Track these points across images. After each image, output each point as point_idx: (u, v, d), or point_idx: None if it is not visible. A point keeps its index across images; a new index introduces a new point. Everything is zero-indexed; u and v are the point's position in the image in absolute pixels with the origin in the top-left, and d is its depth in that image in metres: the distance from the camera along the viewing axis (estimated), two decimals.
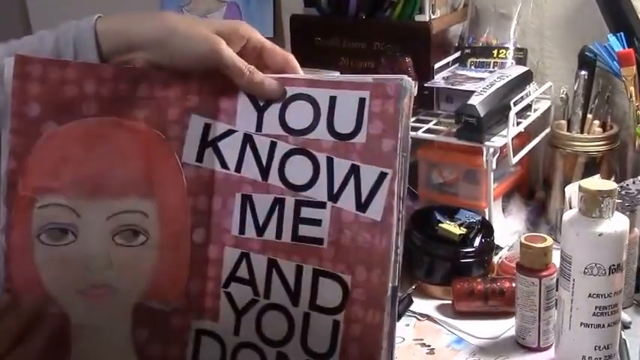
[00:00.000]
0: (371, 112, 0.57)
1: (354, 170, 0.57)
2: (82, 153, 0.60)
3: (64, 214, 0.59)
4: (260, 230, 0.60)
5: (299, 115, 0.59)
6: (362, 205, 0.57)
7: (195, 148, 0.61)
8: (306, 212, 0.59)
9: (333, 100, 0.58)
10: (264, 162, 0.60)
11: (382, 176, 0.56)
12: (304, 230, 0.59)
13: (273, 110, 0.60)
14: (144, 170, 0.60)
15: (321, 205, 0.58)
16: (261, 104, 0.61)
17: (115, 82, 0.60)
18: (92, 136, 0.60)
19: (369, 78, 0.58)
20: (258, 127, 0.60)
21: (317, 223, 0.58)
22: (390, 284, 0.56)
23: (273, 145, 0.60)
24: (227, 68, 0.59)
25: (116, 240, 0.60)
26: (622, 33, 0.99)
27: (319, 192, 0.58)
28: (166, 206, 0.61)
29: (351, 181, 0.57)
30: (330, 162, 0.58)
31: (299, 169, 0.59)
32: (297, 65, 0.63)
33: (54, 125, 0.59)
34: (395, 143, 0.56)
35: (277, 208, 0.59)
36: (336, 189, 0.58)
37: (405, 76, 0.56)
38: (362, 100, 0.57)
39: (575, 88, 1.03)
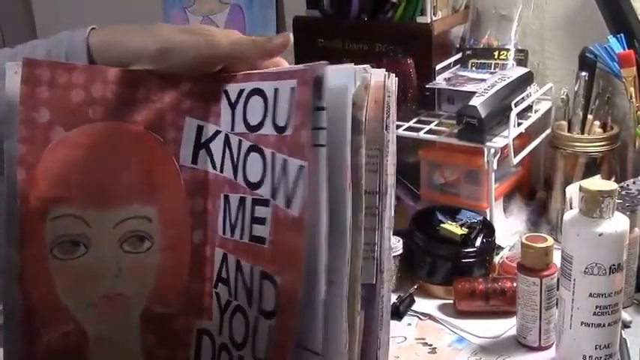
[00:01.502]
0: (296, 101, 0.53)
1: (285, 164, 0.54)
2: (90, 160, 0.59)
3: (76, 224, 0.58)
4: (232, 230, 0.59)
5: (254, 110, 0.57)
6: (289, 201, 0.53)
7: (190, 150, 0.61)
8: (257, 211, 0.56)
9: (276, 92, 0.55)
10: (235, 161, 0.59)
11: (300, 169, 0.52)
12: (255, 230, 0.57)
13: (240, 107, 0.59)
14: (146, 175, 0.60)
15: (266, 203, 0.56)
16: (233, 101, 0.60)
17: (119, 86, 0.59)
18: (98, 142, 0.59)
19: (305, 65, 0.54)
20: (232, 126, 0.60)
21: (263, 222, 0.56)
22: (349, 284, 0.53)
23: (239, 144, 0.59)
24: (232, 53, 0.59)
25: (124, 247, 0.60)
26: (622, 34, 0.99)
27: (266, 189, 0.56)
28: (168, 210, 0.61)
29: (284, 177, 0.54)
30: (273, 157, 0.55)
31: (254, 167, 0.57)
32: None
33: (62, 131, 0.58)
34: (308, 133, 0.51)
35: (241, 207, 0.58)
36: (275, 186, 0.55)
37: (326, 62, 0.52)
38: (292, 90, 0.53)
39: (575, 89, 1.03)
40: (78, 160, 0.59)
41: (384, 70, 0.55)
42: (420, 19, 1.08)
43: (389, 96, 0.55)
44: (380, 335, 0.57)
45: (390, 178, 0.57)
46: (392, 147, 0.56)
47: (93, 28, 0.61)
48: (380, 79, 0.55)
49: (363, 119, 0.53)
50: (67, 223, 0.58)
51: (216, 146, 0.61)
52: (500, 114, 0.97)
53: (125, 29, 0.61)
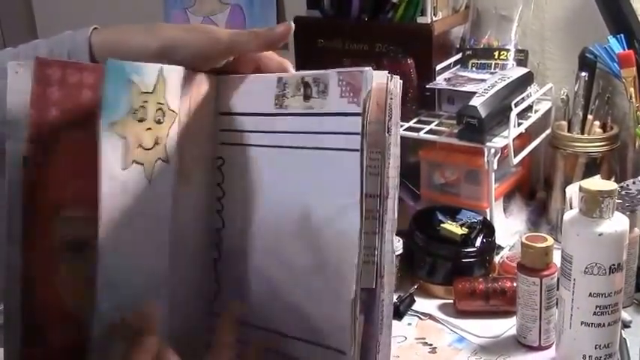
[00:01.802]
0: None
1: None
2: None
3: (85, 226, 0.58)
4: None
5: None
6: None
7: None
8: None
9: None
10: None
11: None
12: None
13: None
14: None
15: None
16: None
17: None
18: None
19: None
20: None
21: None
22: (355, 287, 0.53)
23: None
24: (231, 47, 0.59)
25: None
26: (622, 34, 0.99)
27: None
28: None
29: None
30: None
31: None
32: (292, 69, 0.62)
33: (72, 131, 0.58)
34: None
35: None
36: None
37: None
38: None
39: (575, 89, 1.03)
40: (88, 162, 0.59)
41: (387, 72, 0.55)
42: (420, 20, 1.08)
43: (391, 98, 0.55)
44: (380, 339, 0.56)
45: (392, 181, 0.57)
46: (394, 150, 0.56)
47: (95, 28, 0.61)
48: (382, 80, 0.55)
49: (364, 122, 0.53)
50: (74, 224, 0.58)
51: None
52: (500, 114, 0.97)
53: (127, 29, 0.61)
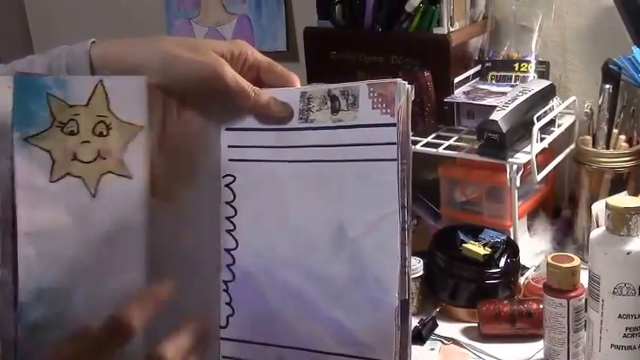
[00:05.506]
0: None
1: None
2: None
3: None
4: None
5: None
6: None
7: None
8: None
9: None
10: None
11: None
12: None
13: None
14: None
15: None
16: None
17: None
18: None
19: None
20: None
21: None
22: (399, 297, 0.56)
23: None
24: (231, 91, 0.60)
25: None
26: None
27: None
28: None
29: None
30: None
31: None
32: (298, 84, 0.63)
33: None
34: None
35: None
36: None
37: None
38: None
39: (599, 102, 1.05)
40: None
41: (407, 82, 0.58)
42: (436, 30, 1.10)
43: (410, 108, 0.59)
44: (409, 351, 0.59)
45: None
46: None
47: (93, 42, 0.63)
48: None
49: (399, 131, 0.56)
50: None
51: None
52: (522, 129, 0.99)
53: (128, 42, 0.62)
